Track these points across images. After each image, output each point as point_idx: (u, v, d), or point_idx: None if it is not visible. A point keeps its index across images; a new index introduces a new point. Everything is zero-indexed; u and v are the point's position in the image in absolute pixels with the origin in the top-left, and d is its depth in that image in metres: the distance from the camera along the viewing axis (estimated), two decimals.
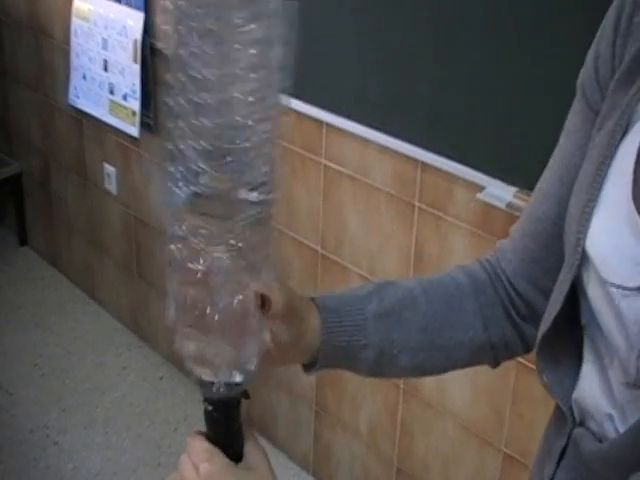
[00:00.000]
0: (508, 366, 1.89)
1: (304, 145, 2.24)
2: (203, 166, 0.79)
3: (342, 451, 2.41)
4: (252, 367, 0.86)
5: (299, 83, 2.23)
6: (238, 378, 0.84)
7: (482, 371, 1.97)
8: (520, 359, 1.86)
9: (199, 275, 0.83)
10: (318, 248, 2.30)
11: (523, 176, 1.72)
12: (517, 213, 1.70)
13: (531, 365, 1.85)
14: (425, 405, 2.12)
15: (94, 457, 2.60)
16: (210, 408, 0.86)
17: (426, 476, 2.18)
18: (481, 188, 1.80)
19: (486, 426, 1.99)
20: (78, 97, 2.99)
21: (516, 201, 1.71)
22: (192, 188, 0.82)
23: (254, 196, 0.82)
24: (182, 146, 0.80)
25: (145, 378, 2.94)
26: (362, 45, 1.95)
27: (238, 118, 0.78)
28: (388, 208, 2.08)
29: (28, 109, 3.40)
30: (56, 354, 3.04)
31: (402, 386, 2.17)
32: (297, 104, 2.15)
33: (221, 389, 0.83)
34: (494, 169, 1.77)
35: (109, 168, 3.02)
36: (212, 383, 0.84)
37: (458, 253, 1.94)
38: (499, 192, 1.76)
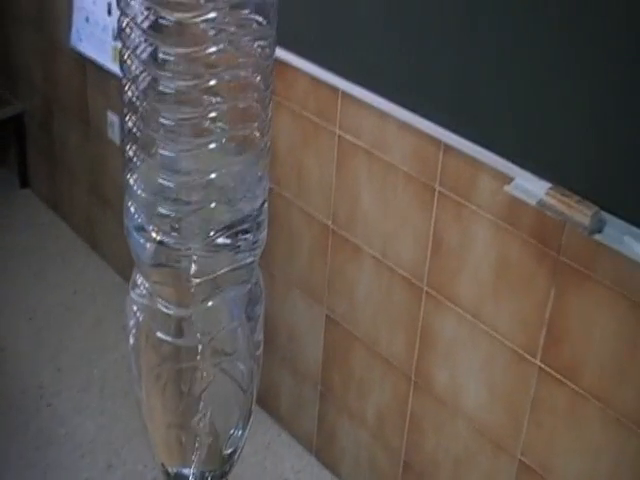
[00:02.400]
0: (528, 372, 1.74)
1: (318, 112, 2.06)
2: None
3: (347, 437, 2.28)
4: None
5: (316, 46, 2.03)
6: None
7: (500, 374, 1.82)
8: (542, 365, 1.71)
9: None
10: (329, 223, 2.13)
11: (559, 170, 1.53)
12: (549, 213, 1.52)
13: (554, 373, 1.69)
14: (437, 402, 1.98)
15: (88, 423, 2.49)
16: None
17: (436, 474, 2.04)
18: (510, 179, 1.62)
19: (502, 431, 1.85)
20: (81, 40, 2.80)
21: (549, 199, 1.52)
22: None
23: None
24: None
25: None
26: (387, 9, 1.75)
27: None
28: (406, 189, 1.90)
29: (30, 49, 3.22)
30: (53, 308, 2.91)
31: (414, 378, 2.02)
32: (312, 68, 1.97)
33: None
34: (525, 159, 1.59)
35: (113, 117, 2.84)
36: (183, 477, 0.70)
37: (480, 245, 1.77)
38: (530, 186, 1.57)
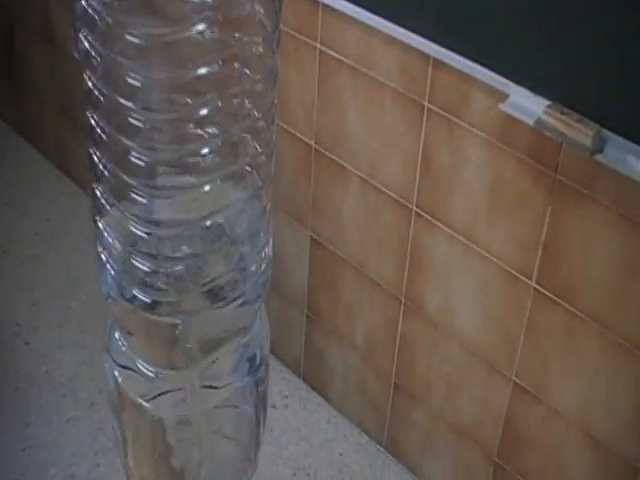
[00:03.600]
0: (523, 294, 1.70)
1: (297, 26, 1.95)
2: None
3: (336, 360, 2.25)
4: None
5: None
6: None
7: (494, 296, 1.78)
8: (537, 287, 1.67)
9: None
10: (312, 143, 2.05)
11: (557, 87, 1.46)
12: (548, 133, 1.46)
13: (550, 294, 1.65)
14: (429, 324, 1.94)
15: (68, 360, 2.42)
16: None
17: (427, 396, 2.02)
18: (504, 96, 1.54)
19: (496, 353, 1.82)
20: None
21: (547, 118, 1.45)
22: None
23: None
24: None
25: None
26: None
27: None
28: (393, 106, 1.82)
29: None
30: (26, 239, 2.81)
31: (404, 300, 1.98)
32: None
33: None
34: (522, 75, 1.51)
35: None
36: None
37: (473, 165, 1.70)
38: (526, 104, 1.50)
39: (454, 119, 1.70)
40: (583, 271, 1.59)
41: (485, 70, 1.56)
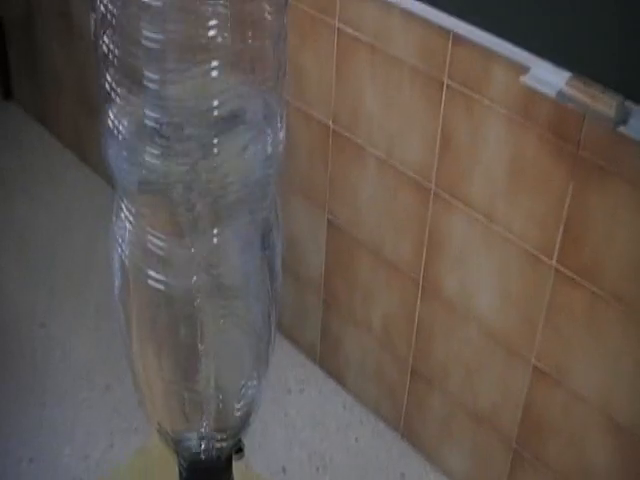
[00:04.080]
0: (544, 274, 1.67)
1: (314, 4, 1.92)
2: None
3: (352, 345, 2.22)
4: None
5: None
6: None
7: (514, 277, 1.74)
8: (559, 266, 1.63)
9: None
10: (329, 123, 2.02)
11: (579, 59, 1.42)
12: (570, 105, 1.42)
13: (571, 274, 1.61)
14: (447, 307, 1.90)
15: (84, 344, 2.41)
16: (186, 474, 0.62)
17: (445, 381, 1.99)
18: (525, 69, 1.51)
19: (515, 336, 1.78)
20: None
21: (569, 90, 1.42)
22: None
23: None
24: None
25: None
26: None
27: None
28: (412, 84, 1.79)
29: None
30: (45, 225, 2.81)
31: (422, 283, 1.95)
32: None
33: (205, 443, 0.60)
34: (543, 47, 1.47)
35: None
36: (189, 443, 0.61)
37: (493, 142, 1.67)
38: (548, 76, 1.46)
39: (474, 95, 1.67)
40: (606, 250, 1.55)
41: (506, 43, 1.53)
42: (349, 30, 1.87)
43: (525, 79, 1.50)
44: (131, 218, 0.71)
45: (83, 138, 3.03)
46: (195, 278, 0.71)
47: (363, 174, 1.98)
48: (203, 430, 0.65)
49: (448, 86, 1.71)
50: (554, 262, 1.64)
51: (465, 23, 1.59)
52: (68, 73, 2.98)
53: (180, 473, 0.65)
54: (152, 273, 0.66)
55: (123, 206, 0.71)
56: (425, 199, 1.85)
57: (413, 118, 1.81)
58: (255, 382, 0.73)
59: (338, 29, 1.90)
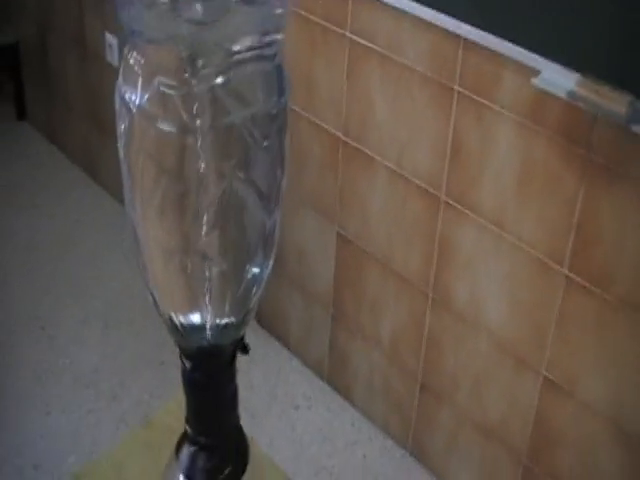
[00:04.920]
0: (554, 283, 1.64)
1: (326, 15, 1.93)
2: None
3: (360, 361, 2.19)
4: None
5: None
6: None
7: (524, 286, 1.72)
8: (570, 274, 1.61)
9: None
10: (340, 134, 2.02)
11: (588, 60, 1.42)
12: (581, 104, 1.41)
13: (583, 281, 1.59)
14: (456, 318, 1.88)
15: (90, 353, 2.40)
16: (189, 366, 0.60)
17: (454, 394, 1.96)
18: (536, 73, 1.50)
19: (525, 347, 1.75)
20: None
21: (579, 90, 1.41)
22: None
23: None
24: None
25: None
26: None
27: None
28: (422, 92, 1.79)
29: None
30: (54, 239, 2.81)
31: (431, 294, 1.93)
32: None
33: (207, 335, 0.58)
34: (552, 50, 1.47)
35: (111, 38, 2.71)
36: (194, 327, 0.59)
37: (503, 148, 1.66)
38: (558, 78, 1.46)
39: (484, 101, 1.66)
40: (618, 256, 1.53)
41: (516, 47, 1.53)
42: (360, 40, 1.87)
43: (536, 81, 1.49)
44: (142, 61, 0.66)
45: (93, 156, 3.04)
46: (202, 120, 0.67)
47: (373, 185, 1.97)
48: (207, 315, 0.64)
49: (459, 92, 1.70)
50: (565, 269, 1.62)
51: (475, 28, 1.59)
52: (80, 95, 3.00)
53: (183, 372, 0.65)
54: (163, 126, 0.63)
55: (130, 56, 0.67)
56: (435, 208, 1.84)
57: (423, 127, 1.81)
58: (260, 262, 0.71)
59: (350, 40, 1.90)
